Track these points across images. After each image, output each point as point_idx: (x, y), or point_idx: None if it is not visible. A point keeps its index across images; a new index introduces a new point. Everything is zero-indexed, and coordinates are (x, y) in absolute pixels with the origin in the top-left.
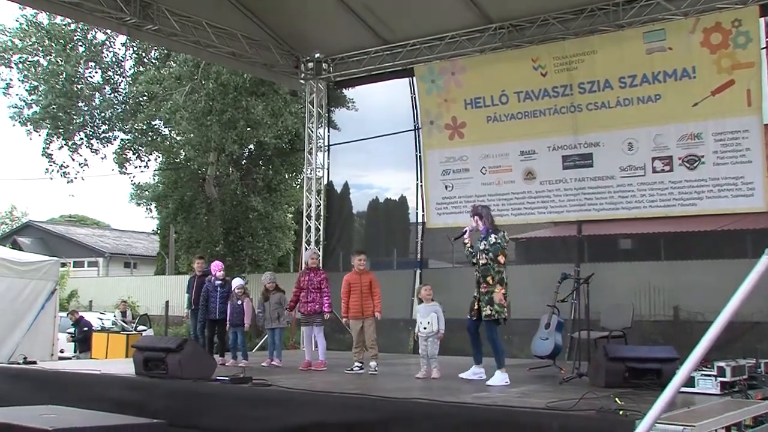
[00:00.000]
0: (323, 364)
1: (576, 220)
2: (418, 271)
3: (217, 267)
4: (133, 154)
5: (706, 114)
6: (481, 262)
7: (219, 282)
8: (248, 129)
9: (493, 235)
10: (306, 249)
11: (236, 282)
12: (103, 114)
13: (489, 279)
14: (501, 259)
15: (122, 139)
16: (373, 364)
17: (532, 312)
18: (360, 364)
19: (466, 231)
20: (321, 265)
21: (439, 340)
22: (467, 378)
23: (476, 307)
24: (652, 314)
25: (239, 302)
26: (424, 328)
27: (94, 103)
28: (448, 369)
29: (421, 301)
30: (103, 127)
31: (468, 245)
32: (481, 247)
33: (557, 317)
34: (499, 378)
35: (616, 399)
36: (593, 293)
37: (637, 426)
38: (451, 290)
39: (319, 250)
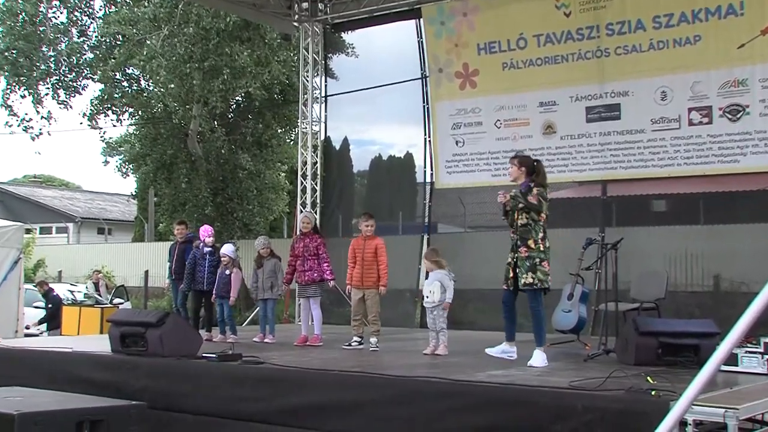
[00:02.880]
0: (319, 339)
1: (601, 179)
2: (426, 237)
3: (206, 232)
4: (108, 108)
5: (754, 57)
6: (519, 222)
7: (208, 249)
8: (232, 79)
9: (536, 189)
10: (301, 212)
11: (225, 249)
12: (70, 60)
13: (530, 242)
14: (543, 215)
15: (98, 90)
16: (373, 340)
17: (553, 281)
18: (359, 339)
19: (500, 194)
20: (318, 228)
21: (445, 310)
22: (494, 355)
23: (512, 275)
24: (689, 284)
25: (227, 272)
26: (426, 297)
27: (59, 48)
28: (460, 344)
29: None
30: (71, 75)
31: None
32: (521, 205)
33: (582, 287)
34: (541, 358)
35: (648, 378)
36: (622, 260)
37: (672, 408)
38: (463, 257)
39: (315, 213)
